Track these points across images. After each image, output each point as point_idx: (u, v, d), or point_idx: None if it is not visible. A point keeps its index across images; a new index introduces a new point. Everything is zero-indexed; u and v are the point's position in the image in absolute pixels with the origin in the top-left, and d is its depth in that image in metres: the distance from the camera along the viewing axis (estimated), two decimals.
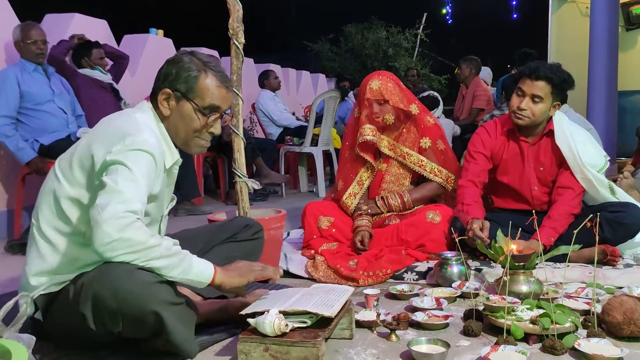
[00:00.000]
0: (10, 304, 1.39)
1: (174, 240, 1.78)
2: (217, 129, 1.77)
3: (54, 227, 1.64)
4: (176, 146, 1.78)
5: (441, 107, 4.81)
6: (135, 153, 1.56)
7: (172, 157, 1.75)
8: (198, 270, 1.59)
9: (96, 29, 4.94)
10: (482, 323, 1.83)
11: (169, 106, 1.71)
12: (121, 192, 1.49)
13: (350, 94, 7.80)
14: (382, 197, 2.91)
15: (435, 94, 4.87)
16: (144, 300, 1.46)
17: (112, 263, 1.48)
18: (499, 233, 2.16)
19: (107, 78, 4.29)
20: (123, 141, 1.56)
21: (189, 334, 1.59)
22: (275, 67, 8.42)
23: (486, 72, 6.60)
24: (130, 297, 1.45)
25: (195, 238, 2.06)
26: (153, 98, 1.73)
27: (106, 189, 1.50)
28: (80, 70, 4.19)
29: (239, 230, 2.08)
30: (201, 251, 2.01)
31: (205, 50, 6.42)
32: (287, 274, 2.64)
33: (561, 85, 2.58)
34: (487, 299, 1.91)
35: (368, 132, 2.82)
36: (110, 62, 4.55)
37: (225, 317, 1.90)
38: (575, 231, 1.92)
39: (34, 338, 1.34)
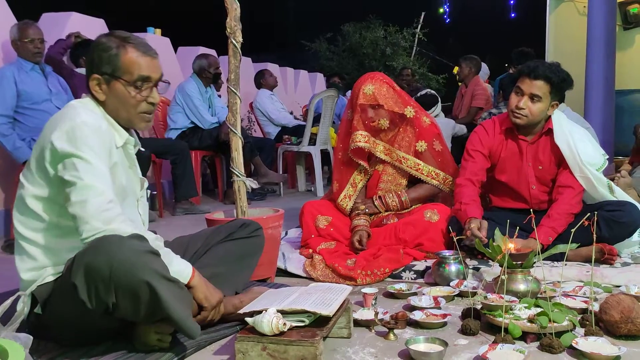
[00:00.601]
0: (7, 303, 1.39)
1: (157, 235, 1.80)
2: (155, 98, 1.77)
3: (29, 227, 1.68)
4: (126, 129, 1.79)
5: (439, 105, 4.81)
6: (76, 133, 1.59)
7: (121, 137, 1.77)
8: (178, 269, 1.65)
9: (93, 28, 4.93)
10: (480, 322, 1.83)
11: (102, 90, 1.73)
12: (92, 186, 1.55)
13: (349, 93, 7.79)
14: (379, 197, 2.90)
15: (433, 92, 4.87)
16: (135, 268, 1.47)
17: (104, 236, 1.52)
18: (497, 232, 2.16)
19: None
20: (61, 127, 1.61)
21: (188, 313, 1.59)
22: (273, 67, 8.41)
23: (483, 70, 6.60)
24: (122, 264, 1.47)
25: (193, 241, 2.06)
26: (88, 88, 1.75)
27: (76, 186, 1.55)
28: (78, 70, 4.19)
29: (236, 230, 2.08)
30: (198, 253, 2.01)
31: (202, 49, 6.42)
32: (285, 273, 2.64)
33: (560, 85, 2.58)
34: (485, 297, 1.91)
35: (360, 138, 2.81)
36: None
37: (221, 314, 1.90)
38: (572, 230, 1.93)
39: (31, 337, 1.34)
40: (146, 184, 1.93)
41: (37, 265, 1.68)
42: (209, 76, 5.07)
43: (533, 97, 2.57)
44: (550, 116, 2.66)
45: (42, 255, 1.68)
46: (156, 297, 1.49)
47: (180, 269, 1.66)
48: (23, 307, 1.64)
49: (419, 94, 4.78)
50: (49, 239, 1.68)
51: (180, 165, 4.43)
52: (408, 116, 2.86)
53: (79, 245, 1.59)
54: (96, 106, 1.74)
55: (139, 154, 1.89)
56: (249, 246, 2.06)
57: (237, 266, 2.00)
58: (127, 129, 1.79)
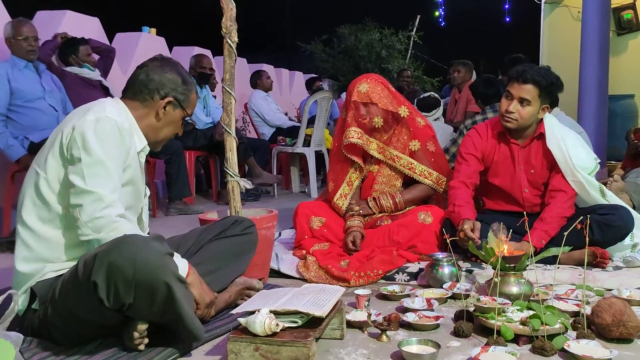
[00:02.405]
0: None
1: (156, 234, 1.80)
2: (181, 131, 1.96)
3: (35, 215, 1.69)
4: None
5: (441, 108, 4.82)
6: (97, 124, 1.65)
7: (141, 142, 1.83)
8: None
9: (88, 27, 4.93)
10: (473, 324, 1.84)
11: (166, 111, 1.84)
12: (90, 192, 1.59)
13: (343, 95, 7.79)
14: (374, 198, 2.91)
15: (436, 95, 4.89)
16: (158, 269, 1.51)
17: (126, 235, 1.57)
18: (490, 234, 2.17)
19: (95, 75, 4.26)
20: (85, 115, 1.67)
21: (194, 314, 1.63)
22: (268, 67, 8.40)
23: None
24: (147, 265, 1.49)
25: (185, 240, 2.07)
26: (139, 97, 1.82)
27: (76, 189, 1.61)
28: (68, 69, 4.16)
29: (228, 227, 2.08)
30: (190, 250, 2.01)
31: (198, 49, 6.42)
32: (279, 274, 2.64)
33: (549, 88, 2.59)
34: (478, 300, 1.91)
35: (353, 134, 2.82)
36: (97, 57, 4.52)
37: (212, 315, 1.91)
38: (565, 233, 1.93)
39: (22, 336, 1.33)
40: (148, 192, 1.96)
41: (33, 257, 1.68)
42: (194, 75, 5.06)
43: (522, 101, 2.58)
44: (542, 120, 2.68)
45: (40, 247, 1.68)
46: (172, 298, 1.52)
47: (179, 266, 1.67)
48: (14, 305, 1.63)
49: (421, 96, 4.79)
50: (52, 230, 1.69)
51: (174, 164, 4.41)
52: (402, 115, 2.87)
53: (79, 242, 1.64)
54: (126, 109, 1.81)
55: None
56: (242, 244, 2.06)
57: (229, 264, 2.00)
58: None
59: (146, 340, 1.63)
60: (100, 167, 1.62)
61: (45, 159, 1.70)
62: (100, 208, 1.59)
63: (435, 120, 4.51)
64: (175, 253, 1.69)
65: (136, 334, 1.60)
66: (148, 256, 1.50)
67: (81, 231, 1.61)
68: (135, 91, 1.82)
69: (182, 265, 1.69)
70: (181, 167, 4.43)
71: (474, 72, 6.32)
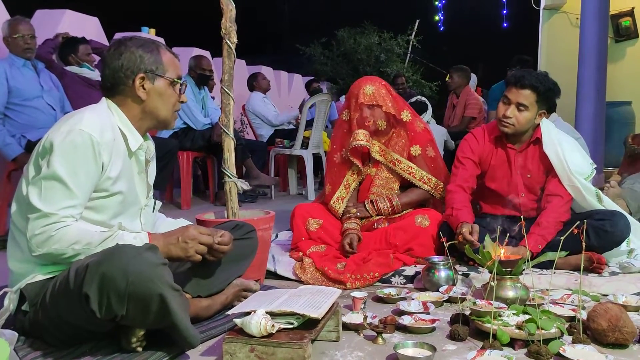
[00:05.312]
0: None
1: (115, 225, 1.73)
2: (185, 98, 1.87)
3: (23, 217, 1.67)
4: (142, 132, 1.82)
5: (430, 111, 4.83)
6: (66, 137, 1.59)
7: (136, 141, 1.78)
8: (135, 241, 1.65)
9: (87, 26, 4.92)
10: (469, 327, 1.84)
11: (146, 89, 1.76)
12: (35, 208, 1.56)
13: (342, 98, 7.79)
14: (371, 201, 2.91)
15: (423, 98, 4.90)
16: (151, 281, 1.48)
17: (118, 245, 1.54)
18: (487, 238, 2.17)
19: (95, 75, 4.25)
20: (62, 127, 1.62)
21: (189, 322, 1.60)
22: (267, 70, 8.41)
23: (472, 80, 6.67)
24: (139, 277, 1.47)
25: None
26: (117, 90, 1.77)
27: (27, 202, 1.59)
28: (68, 68, 4.16)
29: (229, 231, 2.07)
30: None
31: (197, 51, 6.42)
32: (275, 275, 2.63)
33: (546, 94, 2.60)
34: (474, 303, 1.91)
35: (362, 137, 2.82)
36: (98, 58, 4.52)
37: (210, 314, 1.92)
38: (562, 238, 1.94)
39: (16, 334, 1.33)
40: (151, 192, 1.92)
41: (24, 257, 1.66)
42: (193, 76, 5.06)
43: (520, 106, 2.59)
44: (539, 125, 2.68)
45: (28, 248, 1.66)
46: (166, 308, 1.50)
47: (141, 239, 1.66)
48: (9, 303, 1.62)
49: (408, 102, 4.80)
50: None
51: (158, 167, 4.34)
52: (404, 120, 2.88)
53: None
54: (113, 111, 1.76)
55: None
56: (242, 248, 2.05)
57: (228, 267, 1.99)
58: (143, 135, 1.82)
59: (144, 343, 1.62)
60: (57, 183, 1.57)
61: (28, 167, 1.68)
62: (40, 225, 1.55)
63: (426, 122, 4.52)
64: (138, 234, 1.68)
65: (134, 339, 1.60)
66: (140, 267, 1.47)
67: (29, 246, 1.58)
68: (110, 87, 1.77)
69: (143, 237, 1.67)
70: (168, 167, 4.33)
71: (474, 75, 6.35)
